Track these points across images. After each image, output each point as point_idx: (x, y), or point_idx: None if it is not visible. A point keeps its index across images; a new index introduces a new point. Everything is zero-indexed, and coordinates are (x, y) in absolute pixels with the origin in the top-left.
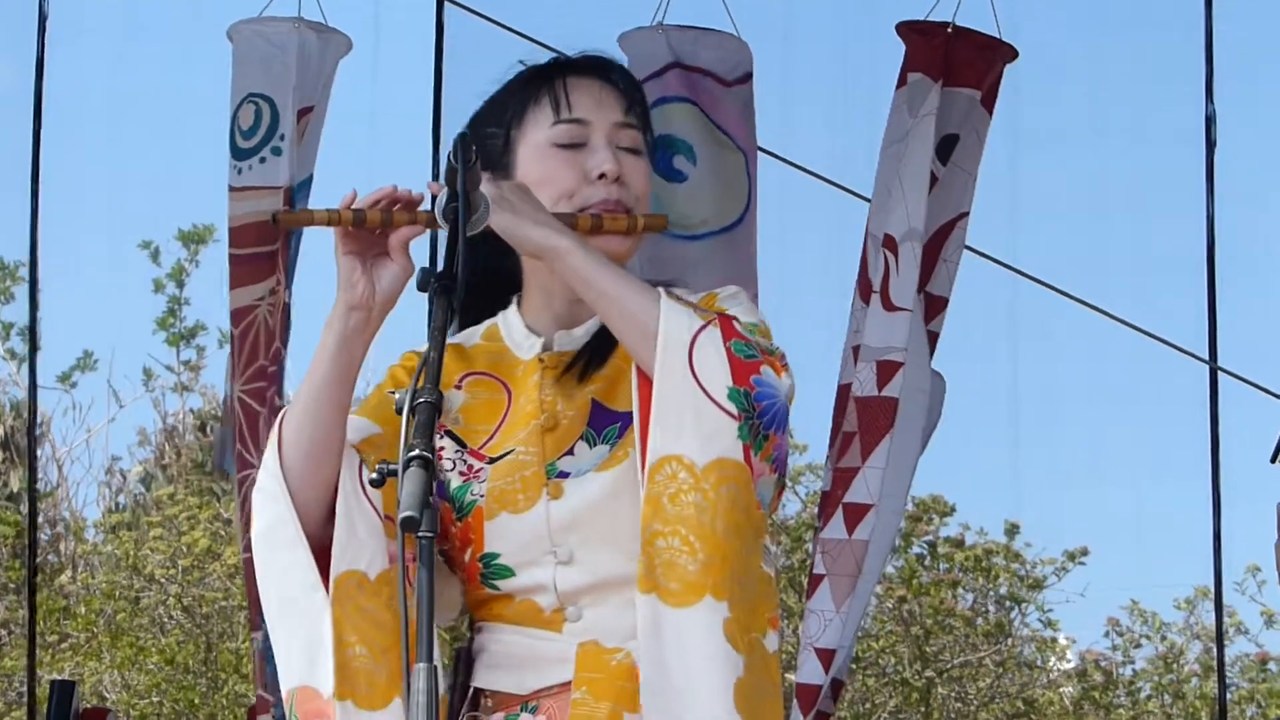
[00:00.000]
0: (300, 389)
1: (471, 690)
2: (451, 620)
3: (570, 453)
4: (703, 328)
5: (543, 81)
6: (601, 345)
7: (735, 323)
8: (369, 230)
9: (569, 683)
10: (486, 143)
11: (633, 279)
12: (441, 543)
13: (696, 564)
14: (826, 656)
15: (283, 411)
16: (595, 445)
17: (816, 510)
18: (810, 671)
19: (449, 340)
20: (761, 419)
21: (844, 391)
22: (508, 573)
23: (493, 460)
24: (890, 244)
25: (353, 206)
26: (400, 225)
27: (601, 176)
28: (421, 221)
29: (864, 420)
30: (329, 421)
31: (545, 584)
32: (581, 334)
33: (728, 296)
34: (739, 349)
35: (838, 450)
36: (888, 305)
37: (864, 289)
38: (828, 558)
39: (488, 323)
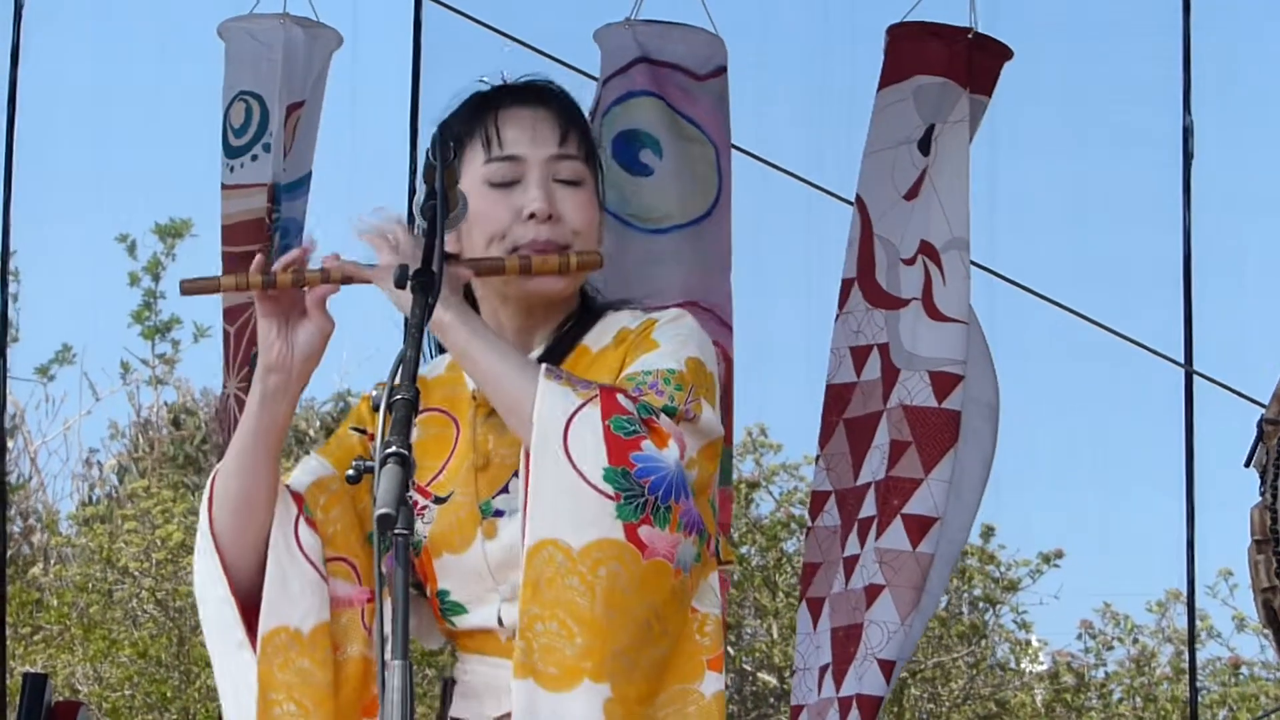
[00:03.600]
0: (229, 448)
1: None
2: (437, 645)
3: (505, 490)
4: (580, 407)
5: (477, 115)
6: None
7: (619, 396)
8: (284, 291)
9: None
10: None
11: (513, 357)
12: (414, 573)
13: (574, 648)
14: (888, 668)
15: (214, 470)
16: (523, 472)
17: (808, 507)
18: (872, 682)
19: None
20: (654, 494)
21: (836, 390)
22: (461, 609)
23: (439, 500)
24: (929, 251)
25: (262, 270)
26: (313, 283)
27: (532, 216)
28: (335, 279)
29: (921, 432)
30: (256, 479)
31: (493, 622)
32: None
33: (666, 322)
34: (618, 426)
35: (889, 459)
36: (934, 314)
37: (870, 291)
38: (888, 569)
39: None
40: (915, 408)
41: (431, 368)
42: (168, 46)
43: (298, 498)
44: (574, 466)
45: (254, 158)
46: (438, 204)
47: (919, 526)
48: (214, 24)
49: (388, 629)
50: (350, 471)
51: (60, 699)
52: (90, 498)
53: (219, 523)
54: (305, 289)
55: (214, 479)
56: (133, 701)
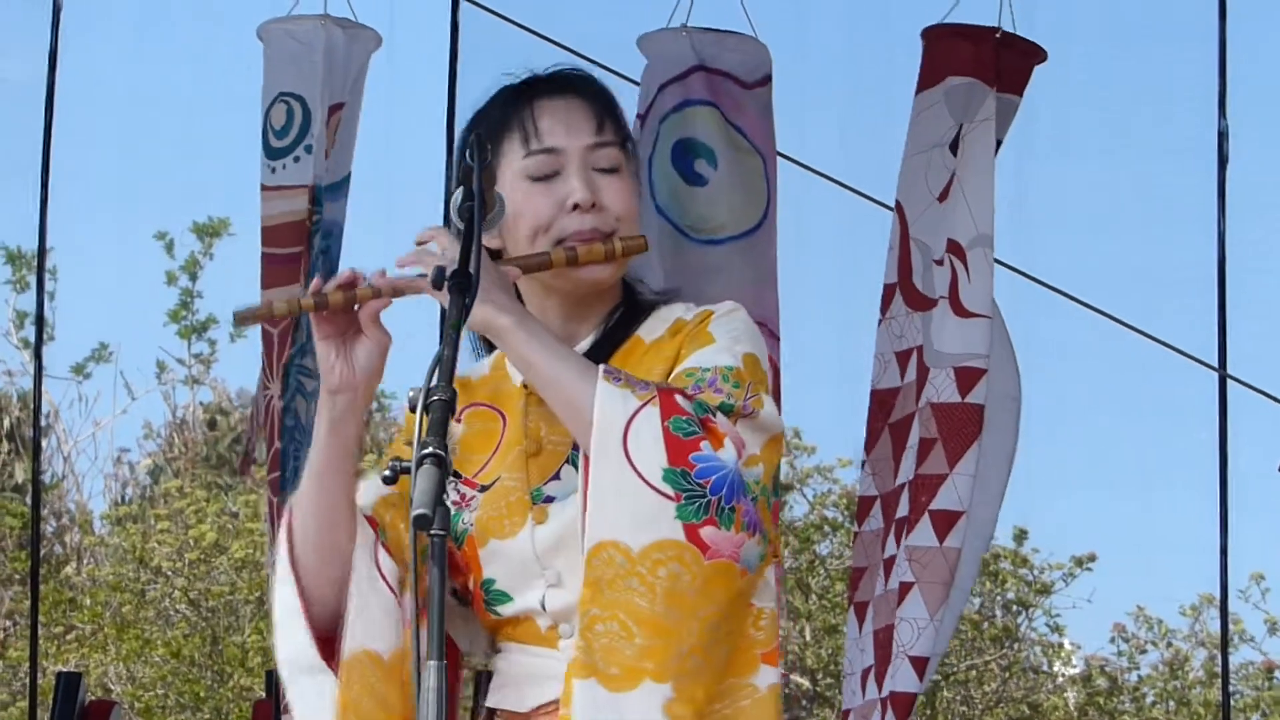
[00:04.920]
0: (302, 479)
1: (485, 710)
2: (482, 660)
3: (556, 477)
4: (639, 409)
5: (512, 109)
6: None
7: (677, 397)
8: (337, 311)
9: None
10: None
11: (571, 360)
12: (454, 576)
13: (634, 648)
14: (921, 664)
15: (290, 500)
16: (580, 471)
17: (852, 514)
18: (905, 679)
19: (458, 374)
20: (716, 494)
21: (881, 395)
22: (506, 598)
23: (484, 488)
24: (956, 250)
25: (315, 293)
26: (365, 299)
27: (576, 206)
28: (387, 293)
29: (947, 427)
30: (334, 504)
31: (537, 606)
32: None
33: (722, 315)
34: (678, 426)
35: (917, 457)
36: (960, 311)
37: (910, 295)
38: (916, 565)
39: (497, 352)
40: (941, 404)
41: (476, 369)
42: (206, 47)
43: (372, 522)
44: (633, 468)
45: (296, 159)
46: (474, 205)
47: (946, 521)
48: (253, 25)
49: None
50: (387, 472)
51: (93, 698)
52: (123, 497)
53: (302, 560)
54: (357, 307)
55: (291, 510)
56: (165, 701)
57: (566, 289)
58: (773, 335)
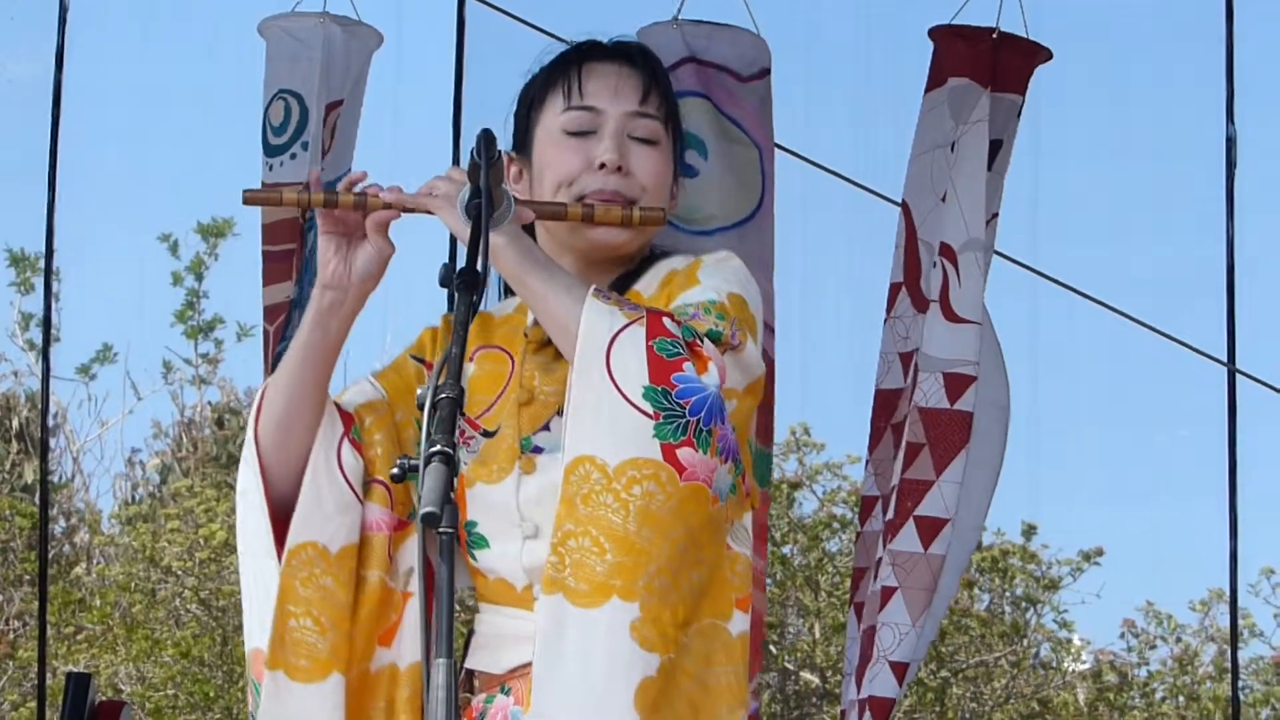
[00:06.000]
0: (281, 362)
1: (464, 671)
2: (467, 591)
3: (546, 428)
4: (625, 326)
5: (562, 66)
6: None
7: (665, 320)
8: (346, 212)
9: None
10: (516, 123)
11: (561, 277)
12: None
13: (605, 565)
14: (901, 670)
15: (265, 381)
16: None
17: (858, 511)
18: (884, 684)
19: (481, 308)
20: (695, 415)
21: (885, 395)
22: (484, 543)
23: (487, 434)
24: (948, 253)
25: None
26: (375, 208)
27: (602, 166)
28: (397, 206)
29: (934, 433)
30: (304, 395)
31: (513, 559)
32: None
33: (711, 262)
34: (662, 347)
35: (904, 461)
36: (950, 316)
37: (916, 296)
38: (900, 571)
39: None
40: (929, 409)
41: (500, 308)
42: (211, 47)
43: (346, 417)
44: (614, 383)
45: (293, 156)
46: (482, 203)
47: (931, 528)
48: (256, 24)
49: (431, 625)
50: (395, 470)
51: (103, 699)
52: (132, 497)
53: (264, 434)
54: (367, 213)
55: (264, 390)
56: (176, 701)
57: (582, 248)
58: (767, 327)
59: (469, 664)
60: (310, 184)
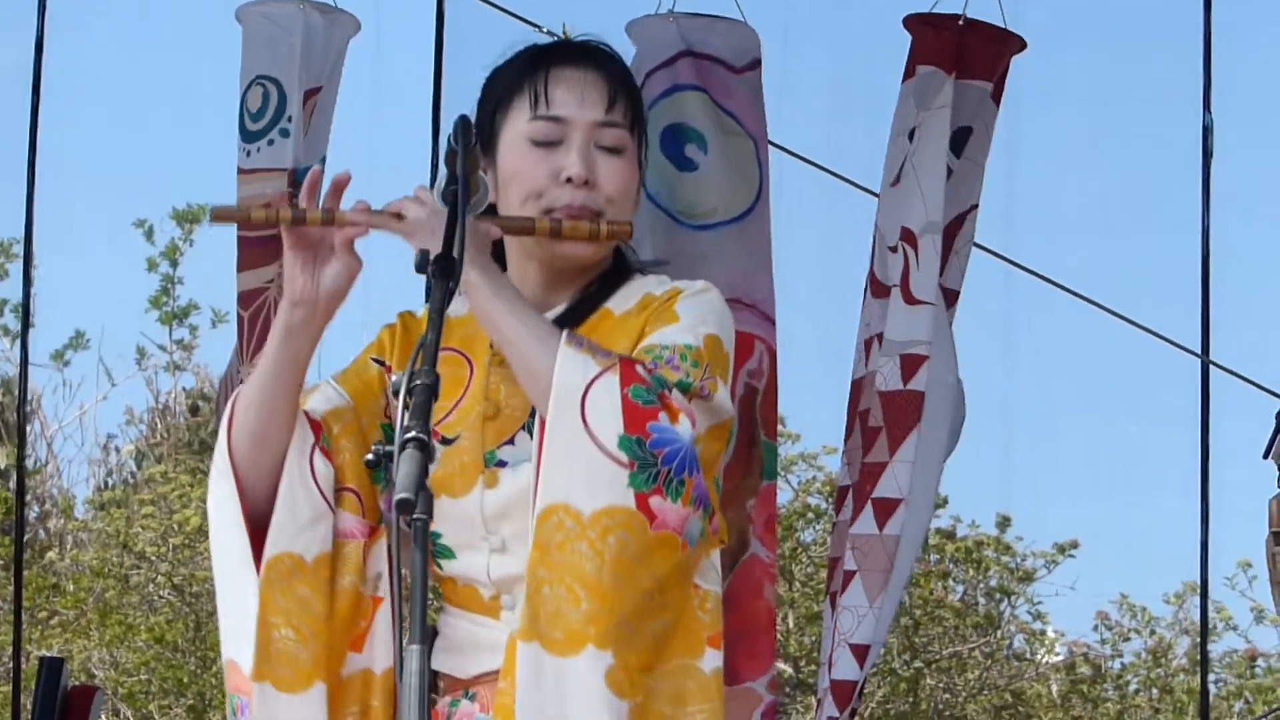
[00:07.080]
0: (252, 374)
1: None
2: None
3: (510, 442)
4: (599, 375)
5: (529, 70)
6: None
7: (637, 367)
8: (313, 228)
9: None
10: (481, 122)
11: (535, 322)
12: None
13: (579, 613)
14: (861, 652)
15: (235, 392)
16: (535, 436)
17: (833, 502)
18: (845, 668)
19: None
20: (667, 465)
21: (858, 385)
22: (449, 554)
23: (445, 441)
24: (909, 237)
25: (292, 207)
26: (343, 224)
27: (569, 180)
28: (364, 225)
29: (890, 415)
30: (275, 410)
31: (480, 570)
32: None
33: (690, 294)
34: (637, 394)
35: (863, 445)
36: (909, 299)
37: (876, 285)
38: (858, 553)
39: None
40: (886, 392)
41: (456, 308)
42: (188, 33)
43: (315, 426)
44: (590, 434)
45: (270, 142)
46: (459, 190)
47: (885, 509)
48: (234, 10)
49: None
50: (369, 456)
51: (76, 684)
52: (106, 483)
53: (238, 447)
54: (335, 229)
55: (234, 403)
56: (149, 686)
57: (546, 259)
58: (767, 319)
59: (434, 665)
60: (306, 187)
